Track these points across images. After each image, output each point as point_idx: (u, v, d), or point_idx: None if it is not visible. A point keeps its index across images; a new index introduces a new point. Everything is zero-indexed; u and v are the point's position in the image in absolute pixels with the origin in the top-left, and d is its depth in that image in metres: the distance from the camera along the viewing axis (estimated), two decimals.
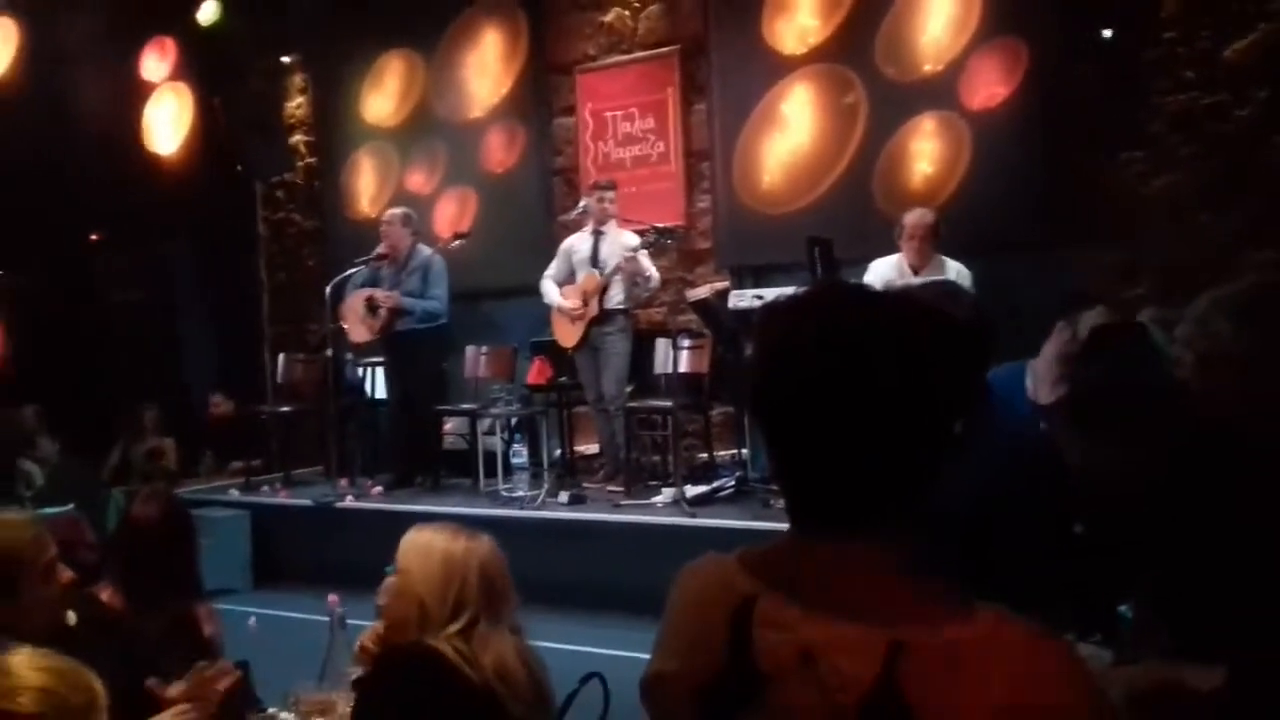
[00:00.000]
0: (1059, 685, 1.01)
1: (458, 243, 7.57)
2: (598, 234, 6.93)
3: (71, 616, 2.47)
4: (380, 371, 8.07)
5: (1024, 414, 2.45)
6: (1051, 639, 1.04)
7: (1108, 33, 6.36)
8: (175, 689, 2.29)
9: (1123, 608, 2.23)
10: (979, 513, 1.86)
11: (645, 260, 6.78)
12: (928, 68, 6.94)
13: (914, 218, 5.99)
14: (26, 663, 1.69)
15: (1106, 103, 6.38)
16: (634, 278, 6.76)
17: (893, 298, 1.19)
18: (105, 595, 2.80)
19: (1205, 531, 1.84)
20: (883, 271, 5.94)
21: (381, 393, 8.08)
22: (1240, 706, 1.44)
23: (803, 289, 1.21)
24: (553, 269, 7.09)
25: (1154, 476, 2.07)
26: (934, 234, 5.94)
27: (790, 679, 1.04)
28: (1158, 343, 2.32)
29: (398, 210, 7.55)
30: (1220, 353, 1.62)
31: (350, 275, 7.43)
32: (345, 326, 7.41)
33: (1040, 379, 3.78)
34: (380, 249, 7.36)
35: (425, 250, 7.39)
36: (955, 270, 5.84)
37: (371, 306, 7.23)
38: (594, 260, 6.87)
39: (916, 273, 5.90)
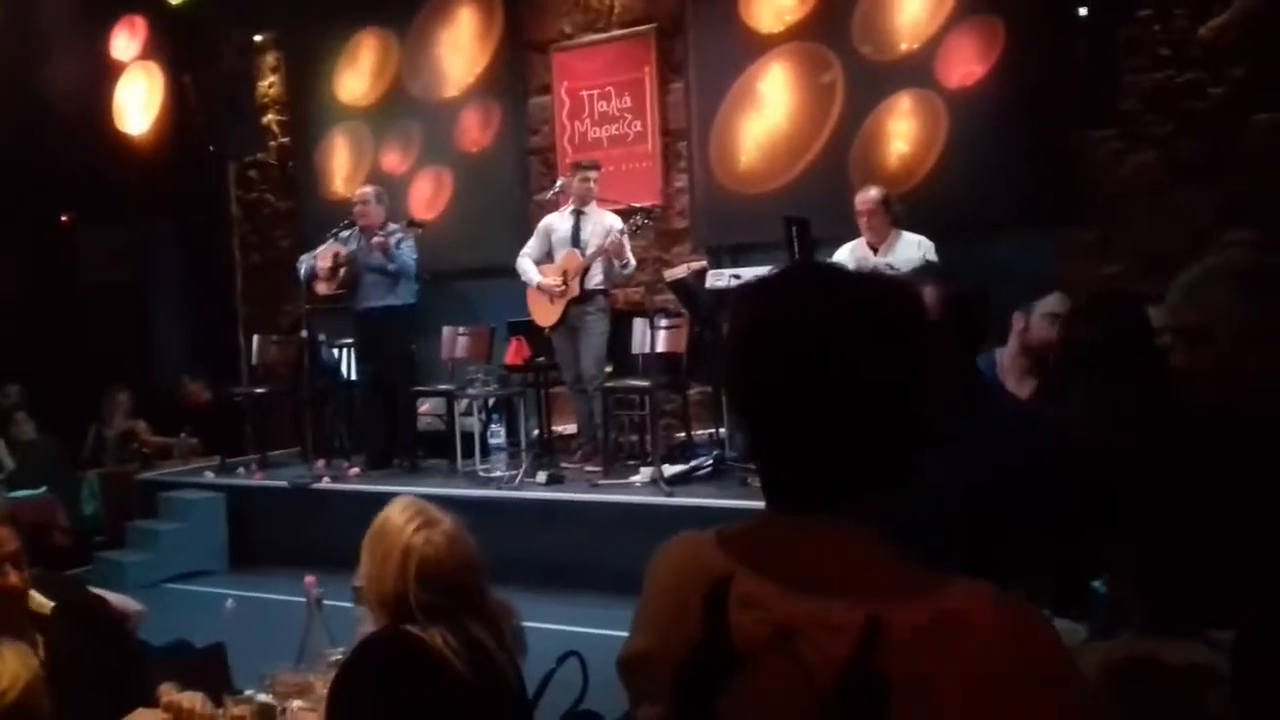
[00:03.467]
0: (1035, 656, 1.01)
1: (413, 230, 7.50)
2: (579, 213, 6.90)
3: (45, 603, 2.45)
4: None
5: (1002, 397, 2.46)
6: (1028, 611, 1.04)
7: (1083, 11, 6.38)
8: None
9: (1096, 583, 2.24)
10: (961, 491, 1.87)
11: (627, 243, 6.77)
12: (904, 46, 6.93)
13: (860, 197, 6.06)
14: None
15: (1082, 81, 6.39)
16: (615, 259, 6.74)
17: (866, 277, 1.20)
18: None
19: (1184, 506, 1.85)
20: (843, 257, 5.94)
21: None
22: (1243, 678, 1.44)
23: (778, 269, 1.21)
24: (530, 248, 7.06)
25: (1132, 444, 2.08)
26: (884, 210, 5.97)
27: (767, 657, 1.04)
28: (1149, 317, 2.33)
29: (369, 189, 7.61)
30: (1214, 322, 1.60)
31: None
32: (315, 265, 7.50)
33: (1006, 370, 3.80)
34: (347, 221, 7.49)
35: (395, 226, 7.42)
36: (916, 243, 5.89)
37: (335, 265, 7.33)
38: (575, 240, 6.84)
39: (875, 250, 5.94)
